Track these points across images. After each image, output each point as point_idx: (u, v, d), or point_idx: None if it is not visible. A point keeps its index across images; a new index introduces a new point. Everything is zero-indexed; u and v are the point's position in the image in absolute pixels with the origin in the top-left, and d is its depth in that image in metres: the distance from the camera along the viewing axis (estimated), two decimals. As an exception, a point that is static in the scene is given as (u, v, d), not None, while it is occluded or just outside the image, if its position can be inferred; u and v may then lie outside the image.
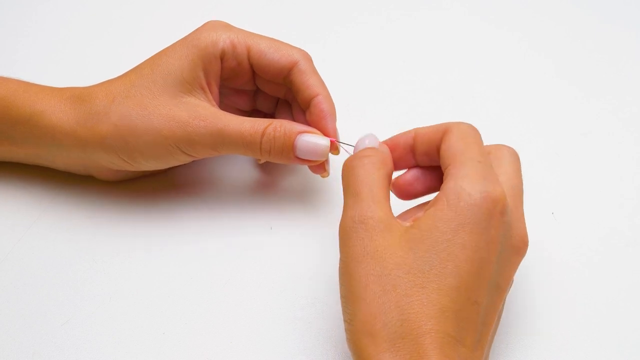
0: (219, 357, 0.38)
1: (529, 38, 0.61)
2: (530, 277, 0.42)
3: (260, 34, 0.43)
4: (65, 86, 0.44)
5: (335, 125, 0.42)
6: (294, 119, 0.44)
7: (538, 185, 0.48)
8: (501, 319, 0.39)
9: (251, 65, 0.43)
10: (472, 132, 0.36)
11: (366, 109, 0.53)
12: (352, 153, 0.38)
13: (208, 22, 0.43)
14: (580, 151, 0.51)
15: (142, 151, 0.41)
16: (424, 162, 0.39)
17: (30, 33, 0.59)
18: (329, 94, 0.43)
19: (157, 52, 0.43)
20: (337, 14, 0.63)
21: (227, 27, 0.43)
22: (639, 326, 0.40)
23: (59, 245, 0.43)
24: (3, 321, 0.39)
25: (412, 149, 0.38)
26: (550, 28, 0.62)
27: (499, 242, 0.33)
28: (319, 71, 0.43)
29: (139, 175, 0.46)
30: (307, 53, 0.43)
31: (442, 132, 0.36)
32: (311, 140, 0.40)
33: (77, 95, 0.42)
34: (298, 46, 0.44)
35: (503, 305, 0.36)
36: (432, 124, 0.38)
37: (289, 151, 0.41)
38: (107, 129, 0.40)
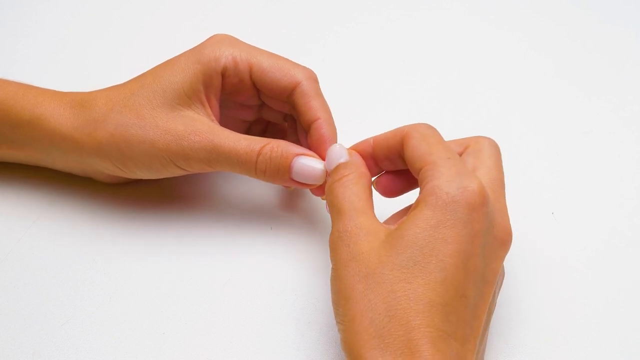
0: (219, 357, 0.38)
1: (529, 38, 0.61)
2: (530, 276, 0.42)
3: (266, 50, 0.42)
4: (65, 86, 0.44)
5: None
6: (298, 136, 0.44)
7: (538, 185, 0.48)
8: (501, 319, 0.40)
9: (254, 83, 0.42)
10: (432, 131, 0.37)
11: (366, 109, 0.53)
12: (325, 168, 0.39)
13: (214, 36, 0.42)
14: (581, 150, 0.51)
15: (135, 161, 0.41)
16: (388, 167, 0.39)
17: (30, 33, 0.59)
18: (330, 117, 0.42)
19: (157, 53, 0.43)
20: (337, 14, 0.63)
21: (232, 42, 0.42)
22: (639, 326, 0.40)
23: (59, 245, 0.43)
24: (3, 321, 0.39)
25: (373, 156, 0.39)
26: (550, 28, 0.62)
27: (482, 235, 0.33)
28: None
29: (137, 179, 0.46)
30: (312, 72, 0.42)
31: (401, 137, 0.37)
32: (307, 163, 0.40)
33: (77, 101, 0.42)
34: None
35: (494, 299, 0.36)
36: (389, 130, 0.38)
37: (284, 173, 0.40)
38: (104, 137, 0.40)
